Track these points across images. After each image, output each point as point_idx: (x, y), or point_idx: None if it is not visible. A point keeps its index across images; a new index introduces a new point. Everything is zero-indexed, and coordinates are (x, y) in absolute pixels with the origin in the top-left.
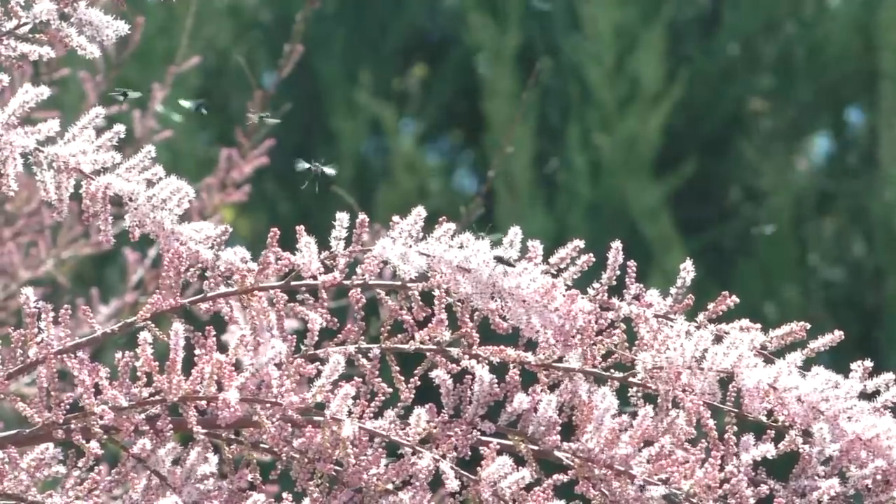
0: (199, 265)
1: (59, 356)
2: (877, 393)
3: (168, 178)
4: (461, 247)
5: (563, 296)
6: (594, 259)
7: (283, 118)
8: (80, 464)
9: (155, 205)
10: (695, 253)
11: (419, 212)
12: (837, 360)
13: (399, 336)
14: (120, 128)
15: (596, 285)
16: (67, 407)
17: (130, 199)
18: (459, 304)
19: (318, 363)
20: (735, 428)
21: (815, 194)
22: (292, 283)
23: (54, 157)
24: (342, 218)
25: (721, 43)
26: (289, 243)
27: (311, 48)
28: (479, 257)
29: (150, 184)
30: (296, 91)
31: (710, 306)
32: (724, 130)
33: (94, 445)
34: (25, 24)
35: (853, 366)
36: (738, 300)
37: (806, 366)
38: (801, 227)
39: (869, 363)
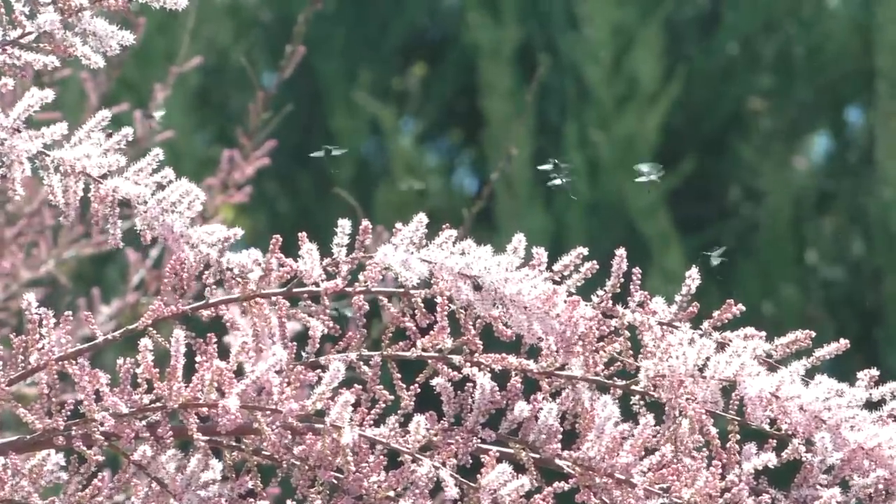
0: (211, 270)
1: (60, 362)
2: (882, 402)
3: (178, 181)
4: (463, 253)
5: (565, 302)
6: (598, 267)
7: (284, 118)
8: (81, 470)
9: (164, 208)
10: (693, 252)
11: (421, 218)
12: (837, 360)
13: (400, 343)
14: (127, 130)
15: (600, 293)
16: (68, 413)
17: (139, 203)
18: (463, 311)
19: (319, 370)
20: (737, 436)
21: (815, 194)
22: (294, 289)
23: (60, 160)
24: (344, 224)
25: (720, 42)
26: (288, 243)
27: (310, 48)
28: (480, 264)
29: (159, 187)
30: (296, 91)
31: (715, 314)
32: (722, 130)
33: (94, 452)
34: (29, 33)
35: (859, 375)
36: (743, 308)
37: (809, 371)
38: (801, 226)
39: (875, 372)
